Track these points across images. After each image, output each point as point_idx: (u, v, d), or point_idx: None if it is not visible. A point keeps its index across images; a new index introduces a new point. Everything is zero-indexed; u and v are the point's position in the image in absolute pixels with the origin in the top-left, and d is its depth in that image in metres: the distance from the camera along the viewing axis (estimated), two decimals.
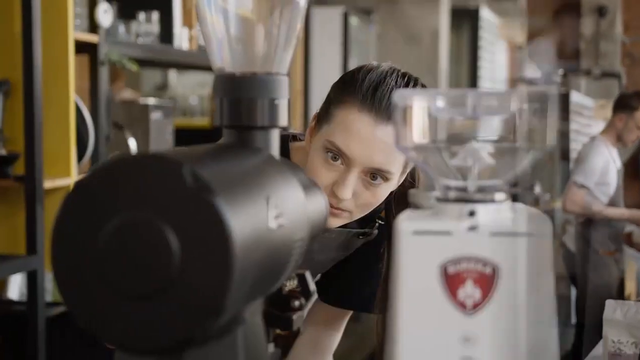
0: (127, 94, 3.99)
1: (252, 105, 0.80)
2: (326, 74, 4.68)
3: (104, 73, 2.72)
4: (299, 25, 0.84)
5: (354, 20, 4.87)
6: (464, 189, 0.71)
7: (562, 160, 6.26)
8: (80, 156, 2.63)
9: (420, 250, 0.68)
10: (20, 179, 2.37)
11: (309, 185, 0.85)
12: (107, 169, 0.62)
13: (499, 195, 0.70)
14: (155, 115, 3.10)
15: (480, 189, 0.71)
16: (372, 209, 1.31)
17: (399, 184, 1.34)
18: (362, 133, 1.22)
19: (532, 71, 5.68)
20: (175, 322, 0.61)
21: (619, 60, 9.66)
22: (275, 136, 0.82)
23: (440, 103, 0.70)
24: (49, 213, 2.47)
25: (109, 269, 0.61)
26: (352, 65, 5.95)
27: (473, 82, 7.57)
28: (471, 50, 7.53)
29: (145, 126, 3.13)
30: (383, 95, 1.24)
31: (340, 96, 1.26)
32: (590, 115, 6.64)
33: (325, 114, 1.28)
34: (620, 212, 4.50)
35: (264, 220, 0.66)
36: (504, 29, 8.82)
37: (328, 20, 4.96)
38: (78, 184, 0.63)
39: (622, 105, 4.46)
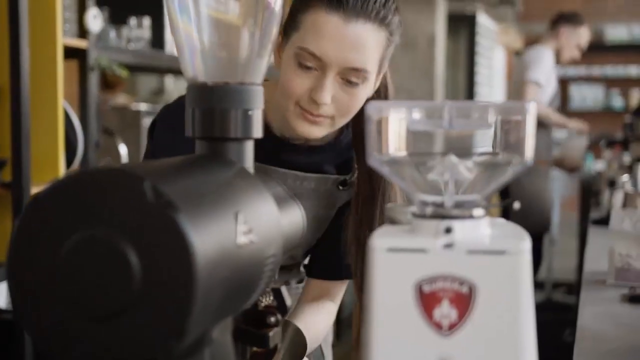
0: (121, 99, 3.97)
1: (225, 116, 0.77)
2: None
3: (93, 78, 2.70)
4: (275, 32, 0.81)
5: None
6: (441, 205, 0.68)
7: None
8: (69, 162, 2.61)
9: (394, 268, 0.65)
10: (7, 186, 2.34)
11: (284, 199, 0.83)
12: (66, 183, 0.59)
13: (477, 211, 0.68)
14: (147, 121, 3.08)
15: (458, 204, 0.68)
16: (352, 115, 1.28)
17: (375, 88, 1.32)
18: (333, 33, 1.21)
19: None
20: (136, 344, 0.58)
21: None
22: (249, 148, 0.79)
23: (416, 115, 0.67)
24: None
25: (68, 288, 0.59)
26: None
27: (470, 87, 7.54)
28: (468, 55, 7.50)
29: (137, 132, 3.11)
30: None
31: (305, 1, 1.24)
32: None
33: (291, 23, 1.27)
34: (563, 120, 4.60)
35: (232, 236, 0.64)
36: (502, 34, 8.80)
37: None
38: (36, 198, 0.60)
39: (569, 19, 4.59)
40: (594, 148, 10.00)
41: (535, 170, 4.45)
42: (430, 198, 0.69)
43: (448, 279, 0.64)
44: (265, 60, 0.81)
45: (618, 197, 2.92)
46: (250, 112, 0.78)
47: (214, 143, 0.77)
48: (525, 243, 0.64)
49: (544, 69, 4.43)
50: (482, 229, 0.67)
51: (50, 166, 2.49)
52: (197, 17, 0.78)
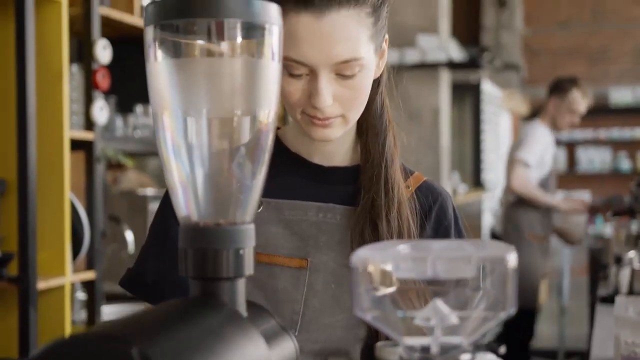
0: (131, 175, 4.00)
1: (217, 257, 0.79)
2: None
3: (99, 169, 2.74)
4: (264, 170, 0.83)
5: None
6: (427, 349, 0.69)
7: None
8: (75, 253, 2.63)
9: None
10: (13, 280, 2.36)
11: (276, 333, 0.83)
12: (55, 350, 0.60)
13: (465, 356, 0.68)
14: (153, 206, 3.10)
15: (444, 349, 0.69)
16: (363, 105, 1.20)
17: (381, 67, 1.25)
18: (307, 34, 1.12)
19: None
20: None
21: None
22: (241, 286, 0.80)
23: (401, 264, 0.68)
24: (43, 315, 2.44)
25: None
26: None
27: (476, 155, 7.57)
28: (474, 123, 7.56)
29: (144, 217, 3.13)
30: None
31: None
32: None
33: None
34: (557, 201, 4.58)
35: None
36: (507, 100, 8.87)
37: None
38: None
39: (555, 89, 4.65)
40: (603, 211, 10.00)
41: (528, 245, 4.44)
42: (417, 342, 0.70)
43: None
44: (256, 199, 0.82)
45: (625, 275, 2.91)
46: (241, 252, 0.79)
47: (206, 283, 0.79)
48: None
49: (536, 149, 4.46)
50: None
51: (56, 259, 2.51)
52: (190, 160, 0.80)
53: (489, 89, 7.80)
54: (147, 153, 3.36)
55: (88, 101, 2.72)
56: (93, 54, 2.68)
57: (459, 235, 1.30)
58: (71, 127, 2.62)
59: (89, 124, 2.71)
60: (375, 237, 1.18)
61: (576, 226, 4.87)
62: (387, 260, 0.69)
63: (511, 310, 0.67)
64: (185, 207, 0.81)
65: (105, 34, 2.82)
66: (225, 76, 0.79)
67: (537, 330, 6.76)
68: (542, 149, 4.50)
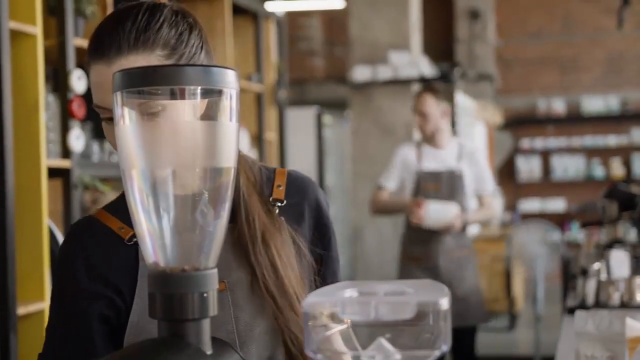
0: (110, 197, 4.04)
1: (184, 300, 0.86)
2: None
3: (76, 196, 2.80)
4: (225, 218, 0.90)
5: (327, 119, 4.99)
6: None
7: None
8: None
9: None
10: None
11: None
12: None
13: None
14: None
15: None
16: None
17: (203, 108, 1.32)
18: (101, 80, 1.21)
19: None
20: None
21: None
22: (206, 326, 0.88)
23: (347, 308, 0.76)
24: (23, 340, 2.50)
25: None
26: (328, 162, 6.06)
27: None
28: None
29: None
30: (108, 32, 1.22)
31: (85, 68, 1.26)
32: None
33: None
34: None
35: None
36: (481, 111, 8.98)
37: (303, 120, 5.07)
38: None
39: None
40: (578, 217, 10.14)
41: (458, 263, 4.27)
42: None
43: None
44: (219, 245, 0.90)
45: (591, 286, 3.00)
46: (205, 294, 0.87)
47: (173, 324, 0.86)
48: None
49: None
50: None
51: (35, 285, 2.57)
52: (157, 212, 0.88)
53: (462, 101, 7.91)
54: None
55: (64, 130, 2.78)
56: (68, 84, 2.75)
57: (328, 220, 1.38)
58: (48, 155, 2.68)
59: (66, 152, 2.77)
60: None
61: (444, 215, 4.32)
62: (335, 305, 0.77)
63: (445, 347, 0.75)
64: (153, 254, 0.89)
65: (79, 61, 2.89)
66: (188, 136, 0.87)
67: (514, 337, 6.88)
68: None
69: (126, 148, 0.88)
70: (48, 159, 2.66)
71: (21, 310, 2.48)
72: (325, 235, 1.38)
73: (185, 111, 0.87)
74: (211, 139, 0.87)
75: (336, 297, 0.78)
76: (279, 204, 1.32)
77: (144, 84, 0.85)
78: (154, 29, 1.23)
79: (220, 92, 0.87)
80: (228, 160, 0.88)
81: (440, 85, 6.95)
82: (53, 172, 2.73)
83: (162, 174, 0.87)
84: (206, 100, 0.87)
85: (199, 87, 0.86)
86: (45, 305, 2.59)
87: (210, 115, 0.88)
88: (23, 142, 2.58)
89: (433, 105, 4.21)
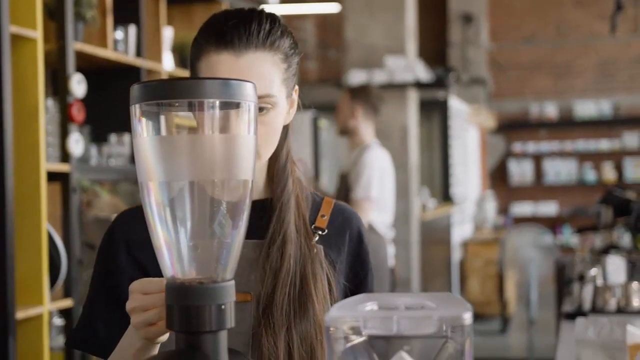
0: (105, 198, 4.02)
1: (201, 313, 0.86)
2: None
3: (75, 199, 2.79)
4: (242, 231, 0.91)
5: (323, 123, 4.99)
6: None
7: None
8: (53, 281, 2.68)
9: None
10: None
11: None
12: None
13: None
14: None
15: None
16: (275, 143, 1.26)
17: (293, 110, 1.32)
18: (226, 69, 1.20)
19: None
20: None
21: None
22: (223, 338, 0.88)
23: (369, 322, 0.76)
24: (22, 343, 2.49)
25: None
26: (324, 165, 6.06)
27: (445, 169, 7.69)
28: (442, 138, 7.68)
29: None
30: (235, 25, 1.22)
31: (197, 51, 1.25)
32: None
33: (193, 75, 1.26)
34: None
35: None
36: (474, 115, 9.00)
37: (298, 125, 5.05)
38: None
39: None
40: (570, 221, 10.17)
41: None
42: None
43: None
44: (236, 255, 0.90)
45: (588, 292, 3.00)
46: (223, 307, 0.87)
47: (191, 336, 0.87)
48: None
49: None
50: None
51: (34, 289, 2.56)
52: (175, 224, 0.88)
53: (456, 104, 7.93)
54: (121, 181, 3.41)
55: (63, 134, 2.77)
56: (68, 88, 2.75)
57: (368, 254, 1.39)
58: (47, 159, 2.68)
59: (65, 156, 2.77)
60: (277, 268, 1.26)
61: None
62: (356, 319, 0.77)
63: None
64: (171, 267, 0.89)
65: (79, 65, 2.88)
66: (206, 149, 0.87)
67: (506, 340, 6.89)
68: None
69: (144, 160, 0.88)
70: (47, 163, 2.65)
71: (20, 314, 2.47)
72: (362, 270, 1.37)
73: (204, 124, 0.87)
74: (229, 152, 0.87)
75: (357, 311, 0.78)
76: (320, 232, 1.32)
77: (163, 97, 0.85)
78: (277, 34, 1.25)
79: (238, 105, 0.88)
80: (246, 173, 0.89)
81: (435, 90, 6.96)
82: (52, 176, 2.72)
83: (179, 185, 0.88)
84: (224, 112, 0.87)
85: (218, 100, 0.86)
86: (43, 309, 2.58)
87: (228, 127, 0.88)
88: (23, 145, 2.57)
89: (346, 103, 4.10)
